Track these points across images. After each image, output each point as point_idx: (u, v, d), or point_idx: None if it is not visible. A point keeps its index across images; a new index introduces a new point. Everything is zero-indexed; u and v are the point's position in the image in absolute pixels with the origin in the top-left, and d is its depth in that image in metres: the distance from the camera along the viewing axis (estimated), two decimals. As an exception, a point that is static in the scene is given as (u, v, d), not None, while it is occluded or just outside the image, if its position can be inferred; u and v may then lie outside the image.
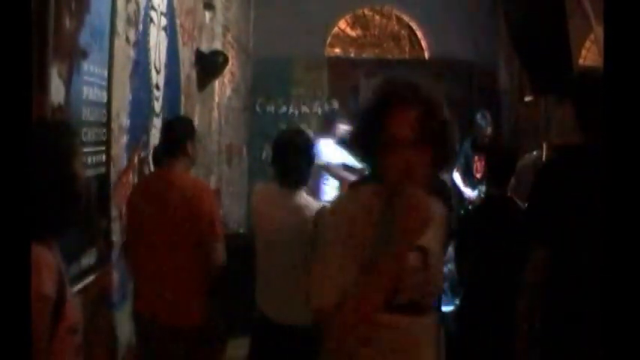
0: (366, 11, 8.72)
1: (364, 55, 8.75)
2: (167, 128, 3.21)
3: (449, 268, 4.43)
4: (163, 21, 3.83)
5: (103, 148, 2.81)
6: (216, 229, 3.02)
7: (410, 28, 8.67)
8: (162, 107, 3.83)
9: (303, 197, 2.96)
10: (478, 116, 6.42)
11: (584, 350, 2.26)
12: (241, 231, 6.13)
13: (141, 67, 3.37)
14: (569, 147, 2.63)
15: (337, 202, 1.72)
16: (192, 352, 3.00)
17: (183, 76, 4.46)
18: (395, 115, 1.57)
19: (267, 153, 7.99)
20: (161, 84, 3.82)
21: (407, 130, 1.56)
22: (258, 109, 8.34)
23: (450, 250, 3.58)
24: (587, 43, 7.70)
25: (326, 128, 6.21)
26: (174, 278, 2.95)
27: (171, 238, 2.94)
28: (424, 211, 1.53)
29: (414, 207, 1.52)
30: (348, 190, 1.51)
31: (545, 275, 2.42)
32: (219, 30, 5.81)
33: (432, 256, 1.68)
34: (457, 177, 6.21)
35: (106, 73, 2.79)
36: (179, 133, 3.11)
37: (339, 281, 1.55)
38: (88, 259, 2.63)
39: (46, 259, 1.43)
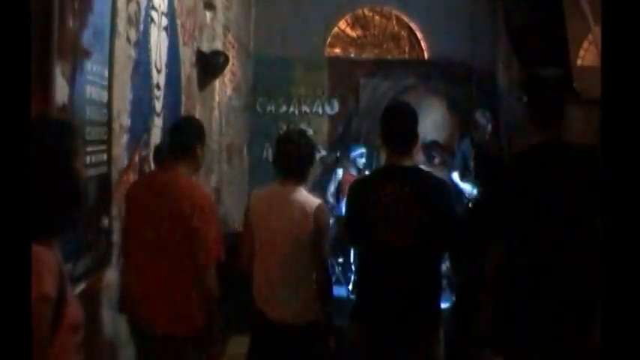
0: (366, 11, 8.73)
1: (364, 56, 8.76)
2: (176, 128, 3.02)
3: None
4: (164, 21, 3.84)
5: (104, 147, 2.81)
6: (210, 252, 2.79)
7: (410, 28, 8.69)
8: (163, 107, 3.84)
9: (303, 194, 3.03)
10: (477, 114, 6.22)
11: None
12: (241, 230, 6.12)
13: (142, 66, 3.38)
14: (534, 145, 2.63)
15: None
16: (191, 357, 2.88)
17: (183, 76, 4.47)
18: None
19: (267, 152, 8.02)
20: (162, 84, 3.83)
21: None
22: (258, 108, 8.36)
23: None
24: (585, 44, 7.72)
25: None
26: (171, 286, 2.80)
27: (167, 244, 2.79)
28: None
29: None
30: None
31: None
32: (219, 30, 5.82)
33: None
34: (456, 176, 6.21)
35: (106, 73, 2.80)
36: (188, 135, 2.94)
37: None
38: (90, 259, 2.64)
39: (47, 259, 1.44)
